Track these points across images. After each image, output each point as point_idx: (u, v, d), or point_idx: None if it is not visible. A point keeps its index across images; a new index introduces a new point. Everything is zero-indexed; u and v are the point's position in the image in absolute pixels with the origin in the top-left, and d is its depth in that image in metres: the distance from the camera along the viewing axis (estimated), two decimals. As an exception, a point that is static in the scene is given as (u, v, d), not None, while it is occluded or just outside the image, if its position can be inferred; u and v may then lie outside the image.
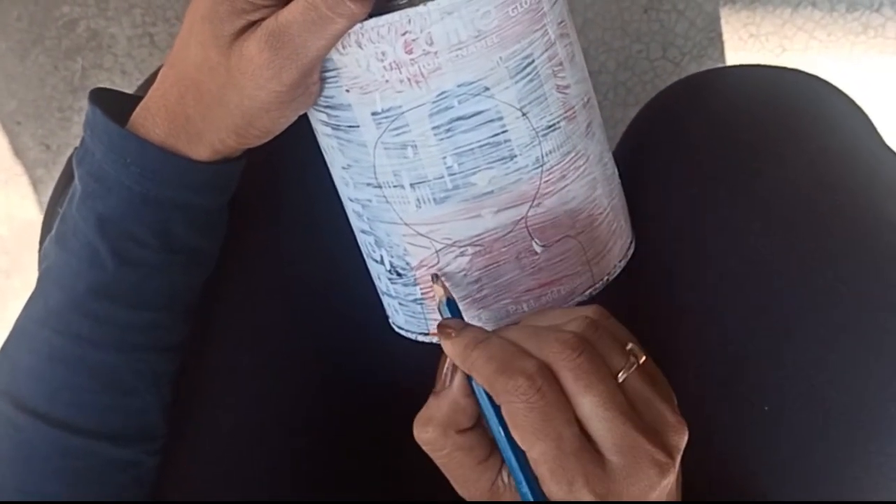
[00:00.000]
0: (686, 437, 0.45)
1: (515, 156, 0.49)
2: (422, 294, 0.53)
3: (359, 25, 0.46)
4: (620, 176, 0.57)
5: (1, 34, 1.12)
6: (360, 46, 0.46)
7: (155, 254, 0.52)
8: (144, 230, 0.51)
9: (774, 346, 0.53)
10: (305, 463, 0.61)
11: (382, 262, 0.54)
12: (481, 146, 0.48)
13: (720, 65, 1.05)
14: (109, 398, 0.53)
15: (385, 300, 0.57)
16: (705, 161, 0.57)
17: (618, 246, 0.55)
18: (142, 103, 0.52)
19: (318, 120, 0.51)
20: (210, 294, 0.57)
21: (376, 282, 0.56)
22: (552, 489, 0.43)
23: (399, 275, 0.53)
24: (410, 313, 0.54)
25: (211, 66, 0.48)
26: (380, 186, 0.50)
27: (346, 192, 0.53)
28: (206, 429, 0.58)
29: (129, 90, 1.10)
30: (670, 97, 0.65)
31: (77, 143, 1.13)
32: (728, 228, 0.55)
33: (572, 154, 0.51)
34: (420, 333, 0.55)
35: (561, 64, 0.50)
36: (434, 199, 0.50)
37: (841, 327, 0.52)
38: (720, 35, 1.05)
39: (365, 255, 0.56)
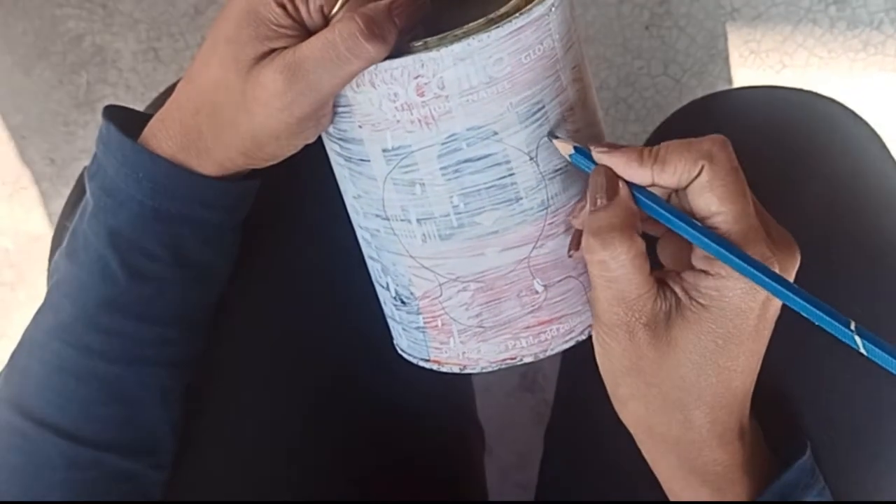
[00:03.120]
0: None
1: (521, 198, 0.50)
2: (424, 323, 0.53)
3: (373, 66, 0.46)
4: None
5: (7, 49, 1.13)
6: (373, 86, 0.47)
7: (166, 268, 0.53)
8: (156, 244, 0.52)
9: (784, 366, 0.54)
10: (310, 481, 0.61)
11: (388, 289, 0.55)
12: (488, 188, 0.49)
13: (721, 81, 1.06)
14: (117, 410, 0.53)
15: (391, 323, 0.58)
16: None
17: None
18: (157, 114, 0.52)
19: (332, 149, 0.52)
20: (221, 309, 0.58)
21: (383, 305, 0.57)
22: (754, 242, 0.44)
23: (403, 302, 0.54)
24: (413, 340, 0.55)
25: (228, 87, 0.48)
26: (388, 219, 0.51)
27: (356, 219, 0.54)
28: (213, 445, 0.58)
29: (134, 105, 1.10)
30: (679, 122, 0.65)
31: (82, 157, 1.14)
32: None
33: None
34: (422, 359, 0.56)
35: (572, 108, 0.51)
36: (439, 236, 0.50)
37: (851, 350, 0.53)
38: (721, 52, 1.05)
39: (373, 280, 0.57)
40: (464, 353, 0.53)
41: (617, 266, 0.45)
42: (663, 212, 0.46)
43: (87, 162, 1.15)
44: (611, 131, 1.07)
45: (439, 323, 0.53)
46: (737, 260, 0.44)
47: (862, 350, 0.41)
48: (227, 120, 0.49)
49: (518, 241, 0.51)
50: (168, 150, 0.51)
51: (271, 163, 0.52)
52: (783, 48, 1.05)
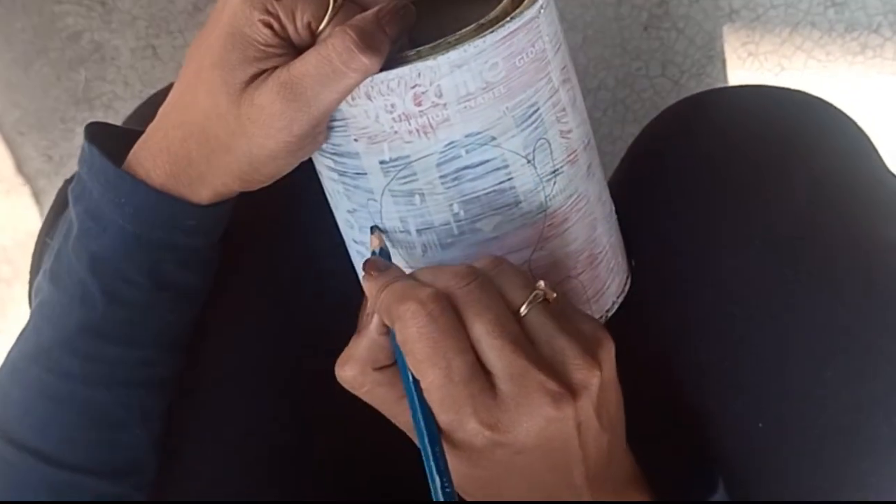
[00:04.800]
0: (597, 376, 0.44)
1: (520, 202, 0.50)
2: None
3: (369, 79, 0.46)
4: (622, 196, 0.58)
5: (5, 45, 1.13)
6: (369, 98, 0.47)
7: (145, 293, 0.52)
8: (135, 270, 0.52)
9: (772, 363, 0.54)
10: (299, 492, 0.61)
11: None
12: (487, 193, 0.49)
13: (719, 83, 1.06)
14: (99, 434, 0.53)
15: None
16: (707, 180, 0.58)
17: (616, 283, 0.56)
18: (140, 142, 0.52)
19: (324, 165, 0.52)
20: (201, 323, 0.58)
21: None
22: (442, 419, 0.43)
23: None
24: None
25: (220, 113, 0.48)
26: (385, 231, 0.51)
27: (350, 234, 0.54)
28: (199, 459, 0.58)
29: (132, 101, 1.11)
30: (672, 117, 0.65)
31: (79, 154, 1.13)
32: (729, 246, 0.56)
33: (574, 197, 0.52)
34: None
35: (564, 109, 0.51)
36: (440, 245, 0.51)
37: (837, 346, 0.53)
38: (719, 53, 1.05)
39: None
40: None
41: (362, 394, 0.47)
42: (396, 354, 0.46)
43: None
44: (608, 132, 1.07)
45: None
46: (420, 423, 0.44)
47: None
48: (220, 146, 0.49)
49: (518, 245, 0.51)
50: (156, 179, 0.51)
51: (266, 184, 0.52)
52: (781, 50, 1.05)
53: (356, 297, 0.57)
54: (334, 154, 0.50)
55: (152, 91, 1.11)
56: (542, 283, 0.45)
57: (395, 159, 0.48)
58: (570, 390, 0.43)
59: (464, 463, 0.44)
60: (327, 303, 0.62)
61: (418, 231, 0.50)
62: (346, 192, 0.52)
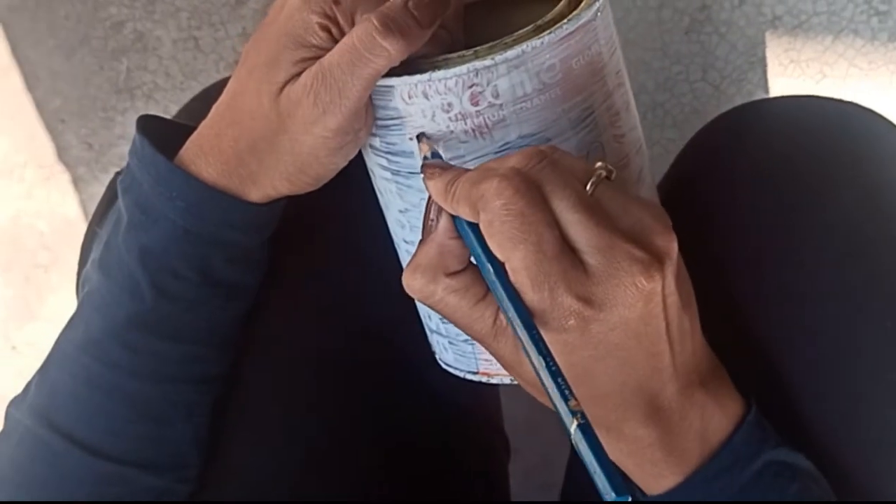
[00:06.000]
0: (675, 242, 0.43)
1: None
2: None
3: (427, 76, 0.47)
4: (673, 209, 0.58)
5: (48, 33, 1.14)
6: (426, 97, 0.47)
7: (193, 288, 0.52)
8: (185, 265, 0.52)
9: (823, 377, 0.54)
10: (337, 496, 0.61)
11: None
12: None
13: (760, 89, 1.06)
14: (144, 427, 0.53)
15: (433, 338, 0.58)
16: (759, 193, 0.57)
17: None
18: (193, 139, 0.52)
19: (377, 164, 0.52)
20: (249, 321, 0.58)
21: (425, 320, 0.57)
22: (534, 299, 0.41)
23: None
24: (460, 352, 0.55)
25: (263, 113, 0.49)
26: None
27: (401, 234, 0.54)
28: (239, 460, 0.59)
29: (173, 92, 1.12)
30: (720, 128, 0.65)
31: (120, 143, 1.15)
32: (782, 260, 0.55)
33: None
34: (469, 372, 0.56)
35: (618, 113, 0.51)
36: None
37: (889, 362, 0.53)
38: (761, 59, 1.05)
39: None
40: None
41: (433, 303, 0.45)
42: (473, 247, 0.44)
43: (124, 148, 1.16)
44: (647, 135, 1.07)
45: None
46: (511, 311, 0.41)
47: (573, 440, 0.38)
48: (267, 146, 0.49)
49: None
50: (208, 176, 0.51)
51: (315, 186, 0.52)
52: (823, 58, 1.04)
53: (404, 296, 0.57)
54: (388, 153, 0.51)
55: (193, 82, 1.13)
56: (600, 163, 0.43)
57: (450, 159, 0.48)
58: (657, 257, 0.41)
59: (557, 349, 0.41)
60: (373, 302, 0.62)
61: None
62: (398, 192, 0.52)
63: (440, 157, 0.47)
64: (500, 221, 0.41)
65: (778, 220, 0.56)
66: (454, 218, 0.44)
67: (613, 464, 0.37)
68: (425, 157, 0.47)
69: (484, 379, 0.55)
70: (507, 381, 0.54)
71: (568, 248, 0.41)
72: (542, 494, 1.05)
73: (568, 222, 0.41)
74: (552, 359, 0.40)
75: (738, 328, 0.55)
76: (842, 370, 0.53)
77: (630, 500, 0.36)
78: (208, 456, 0.57)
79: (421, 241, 0.46)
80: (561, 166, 0.42)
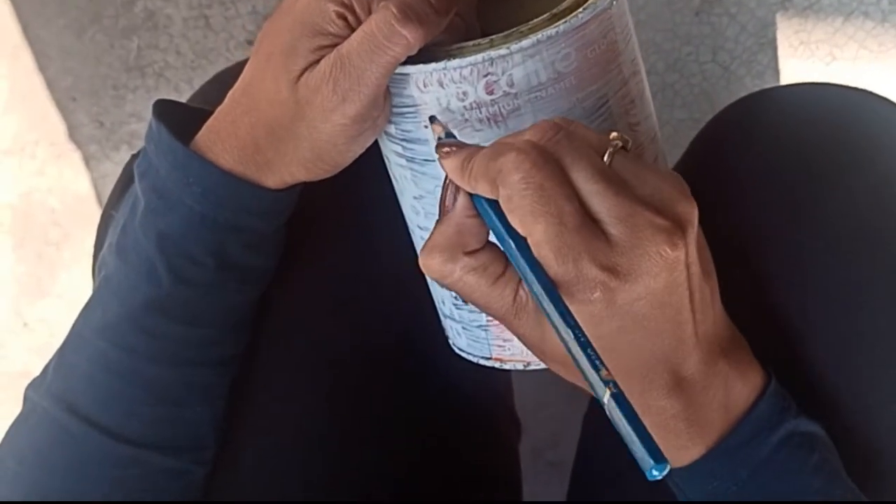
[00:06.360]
0: (695, 209, 0.43)
1: None
2: (487, 321, 0.54)
3: (442, 65, 0.47)
4: None
5: (59, 11, 1.14)
6: (441, 86, 0.48)
7: (210, 273, 0.53)
8: (201, 250, 0.52)
9: (830, 368, 0.54)
10: (349, 474, 0.62)
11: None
12: None
13: (770, 70, 1.06)
14: (161, 410, 0.54)
15: (447, 323, 0.58)
16: (765, 184, 0.57)
17: None
18: (209, 125, 0.52)
19: (392, 151, 0.53)
20: (264, 305, 0.58)
21: (439, 305, 0.58)
22: (558, 272, 0.41)
23: (465, 301, 0.55)
24: (474, 338, 0.56)
25: (281, 100, 0.49)
26: None
27: (415, 220, 0.55)
28: (254, 440, 0.59)
29: (183, 70, 1.12)
30: (730, 117, 0.65)
31: (131, 121, 1.15)
32: (790, 252, 0.55)
33: None
34: (482, 357, 0.56)
35: (632, 102, 0.51)
36: None
37: None
38: (771, 41, 1.05)
39: (429, 280, 0.57)
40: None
41: (452, 282, 0.45)
42: (493, 224, 0.43)
43: (135, 126, 1.16)
44: (657, 116, 1.07)
45: None
46: (536, 284, 0.41)
47: (607, 410, 0.38)
48: (286, 133, 0.50)
49: None
50: (225, 162, 0.51)
51: (333, 173, 0.52)
52: (833, 40, 1.04)
53: (417, 282, 0.58)
54: (403, 140, 0.51)
55: (204, 61, 1.13)
56: (615, 133, 0.43)
57: None
58: (679, 225, 0.41)
59: (583, 321, 0.41)
60: (387, 286, 0.63)
61: None
62: (413, 179, 0.52)
63: (454, 136, 0.47)
64: (519, 196, 0.41)
65: (781, 213, 0.56)
66: (472, 196, 0.44)
67: (649, 432, 0.37)
68: (439, 138, 0.47)
69: (497, 364, 0.55)
70: (519, 367, 0.54)
71: (589, 220, 0.41)
72: (551, 473, 1.06)
73: (588, 193, 0.41)
74: (581, 330, 0.39)
75: (740, 313, 0.56)
76: (847, 355, 0.54)
77: (668, 468, 0.36)
78: (224, 437, 0.57)
79: (438, 221, 0.46)
80: (577, 138, 0.42)
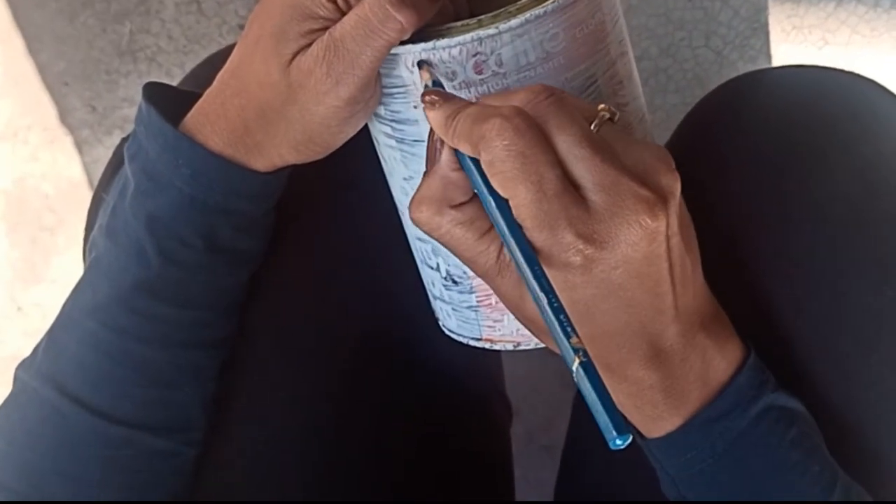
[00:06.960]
0: (678, 182, 0.43)
1: None
2: (477, 302, 0.54)
3: (431, 45, 0.47)
4: None
5: (51, -5, 1.14)
6: (431, 66, 0.48)
7: (199, 255, 0.53)
8: (191, 232, 0.52)
9: (815, 349, 0.54)
10: (340, 455, 0.62)
11: (438, 270, 0.55)
12: None
13: (762, 55, 1.06)
14: (151, 391, 0.54)
15: (437, 304, 0.58)
16: (753, 165, 0.57)
17: None
18: (198, 107, 0.52)
19: (381, 132, 0.53)
20: (252, 289, 0.58)
21: (429, 287, 0.58)
22: (536, 237, 0.41)
23: (455, 282, 0.55)
24: (464, 319, 0.56)
25: (272, 82, 0.49)
26: None
27: (405, 201, 0.55)
28: (245, 421, 0.59)
29: (175, 55, 1.12)
30: (719, 99, 0.65)
31: (123, 105, 1.15)
32: (777, 232, 0.56)
33: None
34: (473, 338, 0.56)
35: (621, 82, 0.51)
36: None
37: (886, 330, 0.53)
38: (763, 26, 1.05)
39: (418, 262, 0.57)
40: (518, 329, 0.54)
41: (440, 235, 0.45)
42: (476, 181, 0.43)
43: (127, 110, 1.16)
44: (650, 101, 1.07)
45: (493, 301, 0.54)
46: (514, 246, 0.41)
47: (575, 378, 0.38)
48: (276, 115, 0.50)
49: None
50: (214, 145, 0.51)
51: (322, 155, 0.52)
52: (826, 25, 1.04)
53: (407, 263, 0.58)
54: (393, 121, 0.51)
55: (196, 46, 1.13)
56: (603, 104, 0.43)
57: None
58: (661, 196, 0.41)
59: (559, 287, 0.41)
60: (376, 268, 0.63)
61: None
62: (402, 160, 0.52)
63: (441, 85, 0.47)
64: (500, 161, 0.41)
65: (771, 190, 0.56)
66: (456, 151, 0.44)
67: (614, 403, 0.37)
68: (426, 85, 0.47)
69: (487, 345, 0.56)
70: (509, 347, 0.55)
71: (571, 187, 0.41)
72: (543, 456, 1.07)
73: (574, 157, 0.41)
74: (555, 295, 0.40)
75: (728, 293, 0.57)
76: (835, 334, 0.54)
77: (631, 439, 0.36)
78: (215, 417, 0.58)
79: (425, 174, 0.46)
80: (567, 104, 0.42)
